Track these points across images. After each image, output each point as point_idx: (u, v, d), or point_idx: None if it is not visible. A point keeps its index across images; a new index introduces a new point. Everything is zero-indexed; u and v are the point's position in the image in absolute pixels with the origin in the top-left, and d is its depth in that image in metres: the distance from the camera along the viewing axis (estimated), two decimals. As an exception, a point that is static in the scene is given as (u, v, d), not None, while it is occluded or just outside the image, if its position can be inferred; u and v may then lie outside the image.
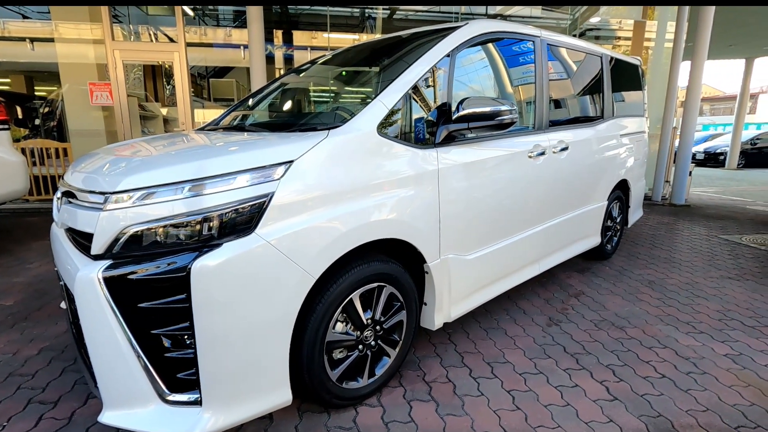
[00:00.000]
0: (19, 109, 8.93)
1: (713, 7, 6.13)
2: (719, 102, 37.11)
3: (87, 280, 1.29)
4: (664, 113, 6.83)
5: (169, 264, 1.25)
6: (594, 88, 3.20)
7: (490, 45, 2.27)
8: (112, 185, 1.32)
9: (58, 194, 1.66)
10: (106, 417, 1.31)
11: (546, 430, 1.61)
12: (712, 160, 15.68)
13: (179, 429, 1.28)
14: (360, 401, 1.75)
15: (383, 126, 1.69)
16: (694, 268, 3.53)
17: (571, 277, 3.27)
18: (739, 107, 14.64)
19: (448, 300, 2.01)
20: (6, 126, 3.58)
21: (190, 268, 1.22)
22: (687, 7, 6.56)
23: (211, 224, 1.27)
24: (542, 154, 2.48)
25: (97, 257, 1.33)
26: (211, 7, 7.67)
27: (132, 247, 1.29)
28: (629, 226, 3.98)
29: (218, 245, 1.27)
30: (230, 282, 1.26)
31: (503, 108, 1.83)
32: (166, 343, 1.30)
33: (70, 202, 1.53)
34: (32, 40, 6.94)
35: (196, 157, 1.41)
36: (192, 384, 1.32)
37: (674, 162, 6.92)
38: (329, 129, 1.57)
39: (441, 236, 1.90)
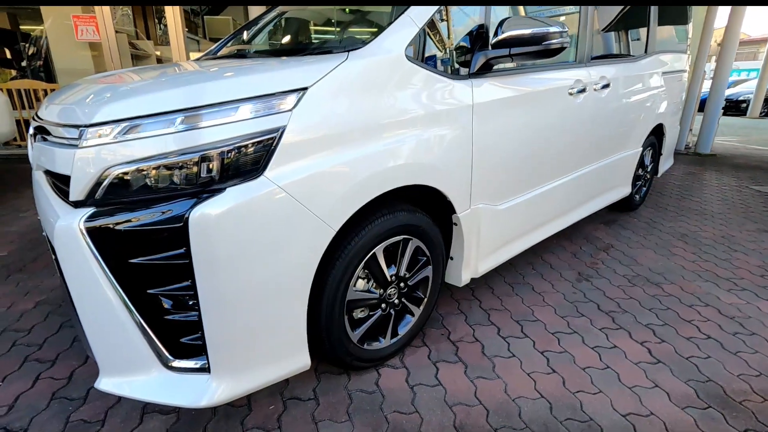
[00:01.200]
0: (7, 50, 8.38)
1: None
2: (742, 46, 34.98)
3: (67, 231, 1.08)
4: (696, 55, 6.29)
5: (163, 213, 1.04)
6: (640, 17, 2.82)
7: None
8: (88, 117, 1.08)
9: (31, 131, 1.42)
10: (104, 384, 1.16)
11: (587, 396, 1.48)
12: (734, 108, 14.95)
13: (185, 398, 1.13)
14: (382, 362, 1.62)
15: (412, 49, 1.40)
16: (728, 220, 3.31)
17: (598, 229, 3.07)
18: (768, 51, 13.71)
19: (476, 254, 1.83)
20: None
21: (187, 218, 1.01)
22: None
23: (211, 165, 1.05)
24: (583, 91, 2.18)
25: (78, 204, 1.12)
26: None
27: (117, 193, 1.07)
28: (659, 175, 3.72)
29: (220, 190, 1.05)
30: (237, 234, 1.06)
31: (551, 30, 1.53)
32: (166, 304, 1.12)
33: (45, 140, 1.29)
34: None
35: (189, 82, 1.15)
36: (198, 349, 1.15)
37: (698, 110, 6.51)
38: (349, 51, 1.30)
39: (473, 183, 1.67)
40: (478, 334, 1.82)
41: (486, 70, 1.62)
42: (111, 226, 1.06)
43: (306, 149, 1.15)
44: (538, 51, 1.55)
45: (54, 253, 1.35)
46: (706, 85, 7.25)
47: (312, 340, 1.36)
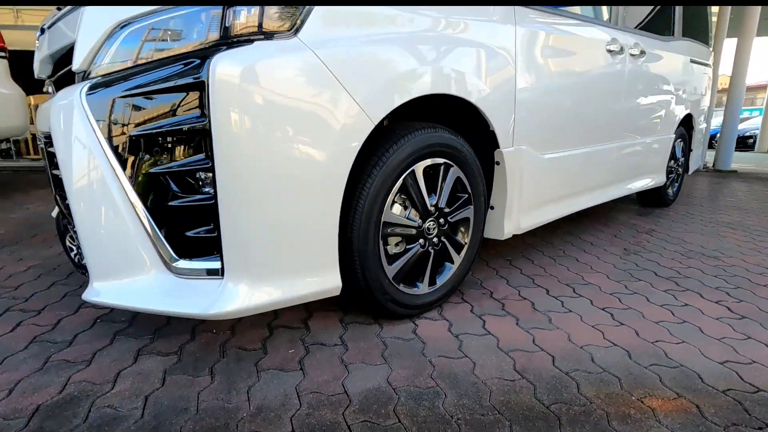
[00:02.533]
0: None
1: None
2: (741, 92, 35.77)
3: (65, 107, 0.93)
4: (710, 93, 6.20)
5: (177, 66, 0.89)
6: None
7: None
8: (101, -28, 0.96)
9: (38, 34, 1.31)
10: (94, 290, 0.96)
11: (669, 345, 1.23)
12: (741, 143, 14.90)
13: (192, 305, 0.92)
14: (418, 313, 1.38)
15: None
16: (772, 214, 3.10)
17: (633, 218, 2.87)
18: (772, 88, 13.89)
19: (519, 204, 1.63)
20: (2, 54, 3.25)
21: (208, 67, 0.86)
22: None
23: (237, 13, 0.90)
24: (620, 52, 2.08)
25: (83, 78, 0.97)
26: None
27: (127, 53, 0.92)
28: (690, 173, 3.55)
29: (248, 41, 0.90)
30: (266, 99, 0.89)
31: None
32: (173, 186, 0.93)
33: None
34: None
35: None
36: (208, 247, 0.95)
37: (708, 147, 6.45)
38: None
39: (516, 117, 1.52)
40: (525, 293, 1.59)
41: (527, -3, 1.52)
42: (116, 92, 0.91)
43: (346, 21, 1.01)
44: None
45: (48, 159, 1.19)
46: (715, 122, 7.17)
47: (344, 273, 1.15)
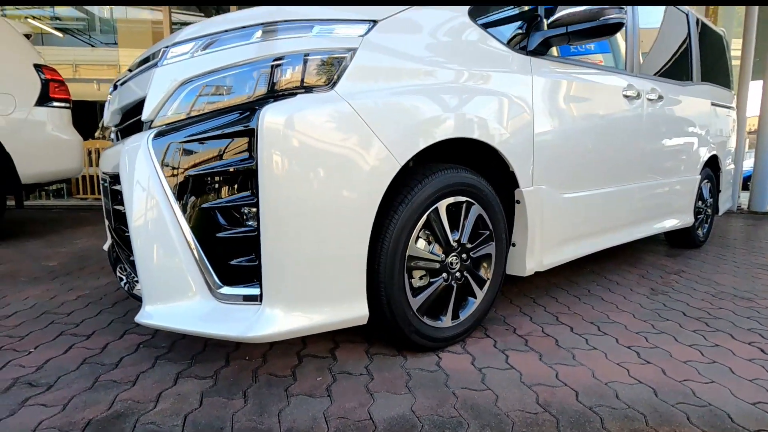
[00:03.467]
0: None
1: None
2: None
3: (133, 150, 1.08)
4: (735, 135, 6.12)
5: (230, 117, 1.02)
6: (681, 46, 2.88)
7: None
8: (171, 39, 1.13)
9: (111, 90, 1.51)
10: (147, 312, 1.06)
11: (698, 385, 1.21)
12: (779, 185, 14.42)
13: (233, 329, 1.00)
14: (442, 346, 1.42)
15: (475, 15, 1.45)
16: (812, 256, 2.98)
17: (662, 260, 2.82)
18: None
19: (540, 242, 1.68)
20: (67, 105, 3.63)
21: (257, 116, 0.99)
22: (755, 20, 5.92)
23: (283, 72, 1.05)
24: (637, 97, 2.16)
25: (149, 128, 1.13)
26: None
27: (189, 104, 1.07)
28: (720, 214, 3.49)
29: (291, 95, 1.03)
30: (305, 142, 1.01)
31: (606, 7, 1.56)
32: (221, 220, 1.05)
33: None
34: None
35: (267, 9, 1.20)
36: (249, 275, 1.05)
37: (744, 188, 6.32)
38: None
39: (534, 159, 1.60)
40: (549, 330, 1.60)
41: (543, 50, 1.64)
42: (178, 138, 1.05)
43: (376, 76, 1.14)
44: (596, 27, 1.56)
45: (112, 196, 1.34)
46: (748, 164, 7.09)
47: (371, 304, 1.22)
